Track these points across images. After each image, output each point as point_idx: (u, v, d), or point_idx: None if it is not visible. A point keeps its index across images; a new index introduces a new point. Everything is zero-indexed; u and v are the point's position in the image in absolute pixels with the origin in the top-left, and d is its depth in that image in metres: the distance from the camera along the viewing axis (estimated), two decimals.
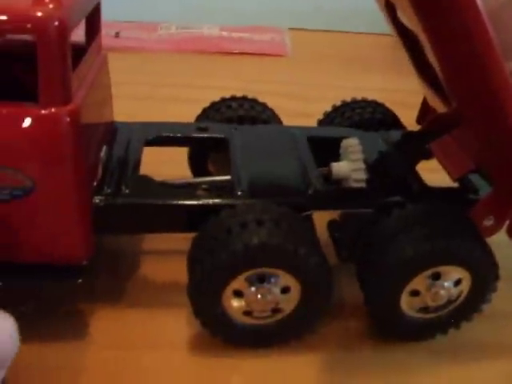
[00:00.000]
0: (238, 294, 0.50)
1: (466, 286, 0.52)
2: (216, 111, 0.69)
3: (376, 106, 0.71)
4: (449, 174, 0.59)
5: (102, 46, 0.63)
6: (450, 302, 0.53)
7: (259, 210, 0.50)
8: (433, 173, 0.62)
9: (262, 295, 0.49)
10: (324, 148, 0.62)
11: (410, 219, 0.52)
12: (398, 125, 0.70)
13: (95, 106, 0.55)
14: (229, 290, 0.49)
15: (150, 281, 0.61)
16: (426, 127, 0.67)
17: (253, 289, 0.49)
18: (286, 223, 0.49)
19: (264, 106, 0.71)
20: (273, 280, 0.49)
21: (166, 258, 0.63)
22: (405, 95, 0.79)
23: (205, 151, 0.67)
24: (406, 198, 0.55)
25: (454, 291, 0.52)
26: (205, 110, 0.70)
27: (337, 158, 0.60)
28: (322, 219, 0.58)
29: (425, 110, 0.71)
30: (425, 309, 0.53)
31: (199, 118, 0.70)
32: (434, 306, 0.52)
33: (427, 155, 0.66)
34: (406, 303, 0.52)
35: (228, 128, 0.64)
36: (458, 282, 0.52)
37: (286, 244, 0.47)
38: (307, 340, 0.54)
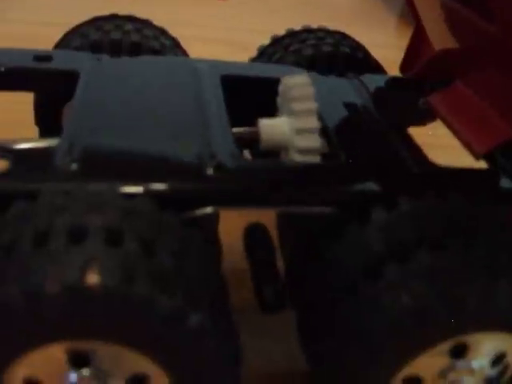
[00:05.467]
0: None
1: None
2: (80, 35, 0.42)
3: (341, 38, 0.44)
4: (468, 147, 0.34)
5: None
6: None
7: (84, 202, 0.23)
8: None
9: None
10: (249, 95, 0.36)
11: (407, 230, 0.25)
12: (377, 68, 0.44)
13: None
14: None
15: None
16: (423, 72, 0.41)
17: None
18: (140, 237, 0.22)
19: (161, 31, 0.43)
20: (102, 365, 0.22)
21: None
22: (379, 50, 0.54)
23: (52, 97, 0.39)
24: (397, 186, 0.28)
25: (492, 374, 0.26)
26: (66, 35, 0.43)
27: (271, 112, 0.34)
28: (233, 224, 0.30)
29: (415, 51, 0.44)
30: None
31: (57, 47, 0.43)
32: None
33: (423, 117, 0.41)
34: None
35: (85, 57, 0.37)
36: (498, 359, 0.26)
37: (131, 286, 0.20)
38: None
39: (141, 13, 0.56)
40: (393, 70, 0.44)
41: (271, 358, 0.33)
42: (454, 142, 0.34)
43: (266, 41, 0.47)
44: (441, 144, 0.38)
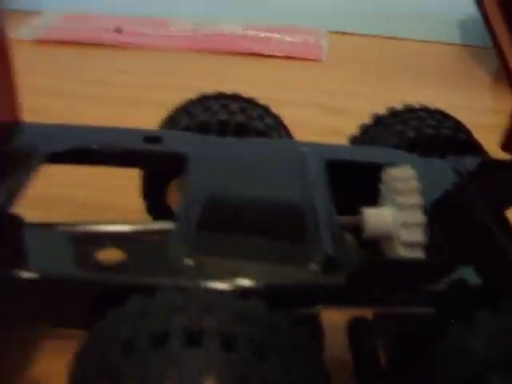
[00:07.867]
0: None
1: None
2: (187, 114, 0.43)
3: (442, 117, 0.45)
4: None
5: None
6: None
7: (200, 302, 0.24)
8: None
9: None
10: (354, 181, 0.36)
11: None
12: (478, 149, 0.43)
13: None
14: None
15: None
16: None
17: None
18: (253, 341, 0.23)
19: (264, 109, 0.45)
20: None
21: None
22: (474, 114, 0.53)
23: (160, 175, 0.41)
24: (502, 284, 0.28)
25: None
26: (174, 112, 0.45)
27: (375, 200, 0.34)
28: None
29: None
30: None
31: (164, 125, 0.45)
32: None
33: None
34: None
35: (193, 139, 0.38)
36: None
37: None
38: None
39: (233, 76, 0.57)
40: (485, 135, 0.44)
41: None
42: None
43: (361, 105, 0.47)
44: None
